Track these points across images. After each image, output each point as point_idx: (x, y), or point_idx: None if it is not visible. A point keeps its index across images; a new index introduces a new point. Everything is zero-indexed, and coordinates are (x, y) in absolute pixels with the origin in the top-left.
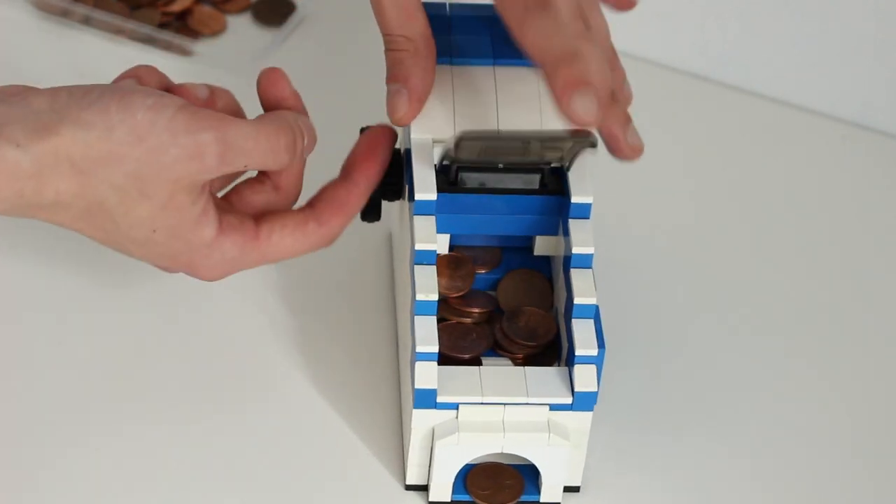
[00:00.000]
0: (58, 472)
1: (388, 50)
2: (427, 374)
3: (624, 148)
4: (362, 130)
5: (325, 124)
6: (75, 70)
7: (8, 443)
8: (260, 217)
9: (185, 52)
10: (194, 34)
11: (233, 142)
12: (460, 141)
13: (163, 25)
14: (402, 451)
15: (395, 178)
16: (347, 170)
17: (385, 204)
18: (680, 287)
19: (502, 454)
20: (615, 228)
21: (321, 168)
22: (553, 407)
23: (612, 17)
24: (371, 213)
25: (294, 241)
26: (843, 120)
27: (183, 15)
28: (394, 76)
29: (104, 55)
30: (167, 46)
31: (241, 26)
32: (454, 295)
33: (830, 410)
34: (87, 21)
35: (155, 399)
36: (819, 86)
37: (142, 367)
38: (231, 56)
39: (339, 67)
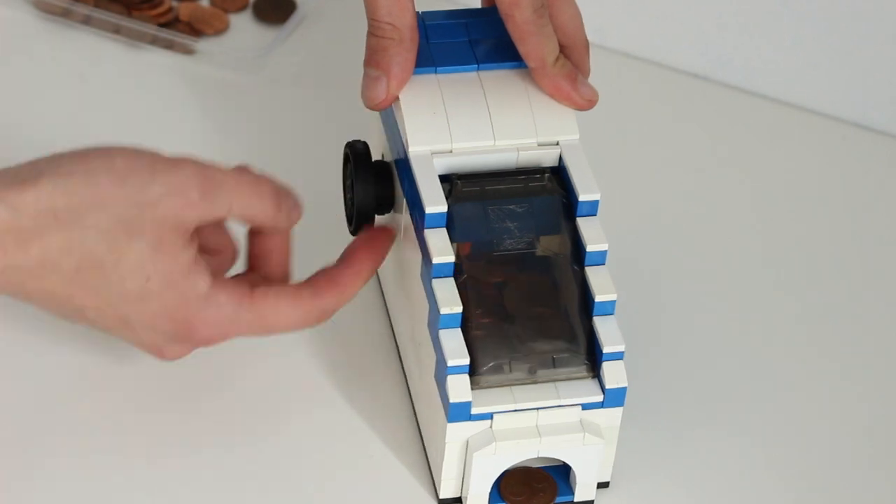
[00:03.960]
0: (58, 483)
1: (372, 35)
2: (460, 388)
3: (577, 100)
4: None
5: (325, 122)
6: (75, 70)
7: (11, 451)
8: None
9: (187, 51)
10: (196, 33)
11: (213, 176)
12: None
13: (164, 25)
14: (428, 464)
15: (386, 191)
16: (347, 257)
17: None
18: (681, 286)
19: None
20: (616, 228)
21: (320, 173)
22: (585, 406)
23: (614, 18)
24: (362, 227)
25: (289, 305)
26: (843, 120)
27: (172, 22)
28: (375, 62)
29: (104, 55)
30: (169, 45)
31: (242, 25)
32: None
33: (841, 409)
34: (87, 21)
35: (167, 419)
36: (819, 86)
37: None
38: (233, 54)
39: (341, 66)
